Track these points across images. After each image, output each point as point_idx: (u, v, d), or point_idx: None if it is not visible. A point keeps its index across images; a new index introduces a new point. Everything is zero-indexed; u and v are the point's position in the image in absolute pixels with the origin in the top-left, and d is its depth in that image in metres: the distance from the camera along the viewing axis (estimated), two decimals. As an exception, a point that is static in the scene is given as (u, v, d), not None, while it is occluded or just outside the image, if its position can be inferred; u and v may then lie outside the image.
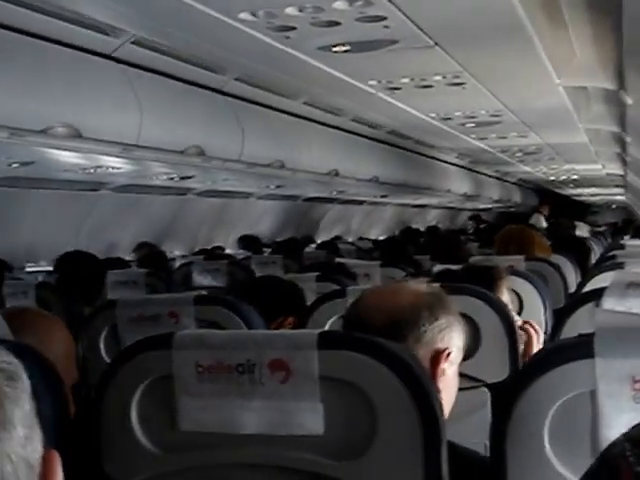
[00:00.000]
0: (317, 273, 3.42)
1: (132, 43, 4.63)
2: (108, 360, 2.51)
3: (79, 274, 3.92)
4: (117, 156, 4.97)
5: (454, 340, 1.64)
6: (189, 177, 6.00)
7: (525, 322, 2.60)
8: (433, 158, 11.68)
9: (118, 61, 4.71)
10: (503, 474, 1.30)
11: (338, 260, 5.01)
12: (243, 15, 4.02)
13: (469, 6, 4.06)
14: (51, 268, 4.76)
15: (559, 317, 2.35)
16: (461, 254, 4.74)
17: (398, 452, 1.22)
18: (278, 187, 7.98)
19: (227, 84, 5.84)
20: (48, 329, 1.74)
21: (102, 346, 2.60)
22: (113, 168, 5.27)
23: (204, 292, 2.46)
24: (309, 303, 2.81)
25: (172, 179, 5.91)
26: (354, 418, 1.24)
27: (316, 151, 7.65)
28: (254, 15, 4.02)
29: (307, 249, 7.63)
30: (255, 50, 4.76)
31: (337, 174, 8.17)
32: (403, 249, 6.79)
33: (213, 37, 4.52)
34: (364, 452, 1.24)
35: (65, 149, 4.54)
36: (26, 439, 0.69)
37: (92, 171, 5.15)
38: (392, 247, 7.11)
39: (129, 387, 1.44)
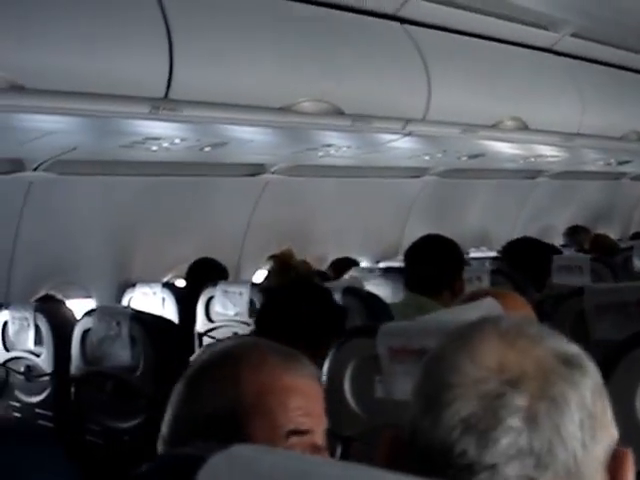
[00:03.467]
0: None
1: (571, 35, 4.79)
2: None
3: (528, 260, 4.01)
4: (556, 145, 5.12)
5: None
6: (626, 162, 5.97)
7: None
8: None
9: (558, 54, 4.88)
10: None
11: None
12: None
13: None
14: (493, 254, 4.97)
15: None
16: None
17: None
18: None
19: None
20: (521, 308, 1.94)
21: (567, 332, 2.74)
22: (552, 157, 5.43)
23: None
24: None
25: (609, 164, 5.93)
26: None
27: None
28: None
29: None
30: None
31: None
32: None
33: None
34: None
35: (509, 141, 4.77)
36: (582, 424, 0.73)
37: (532, 160, 5.36)
38: None
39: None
